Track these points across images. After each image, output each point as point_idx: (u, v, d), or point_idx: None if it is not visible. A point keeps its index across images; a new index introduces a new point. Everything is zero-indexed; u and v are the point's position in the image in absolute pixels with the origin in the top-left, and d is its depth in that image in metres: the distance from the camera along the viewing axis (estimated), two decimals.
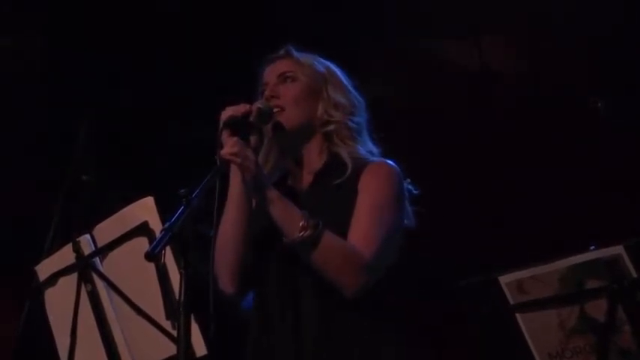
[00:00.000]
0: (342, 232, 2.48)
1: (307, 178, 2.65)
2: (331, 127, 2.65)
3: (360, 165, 2.59)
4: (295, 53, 2.74)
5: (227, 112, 2.55)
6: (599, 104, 4.12)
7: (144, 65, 4.51)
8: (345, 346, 2.47)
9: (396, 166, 2.62)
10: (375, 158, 2.64)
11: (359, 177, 2.57)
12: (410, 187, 2.65)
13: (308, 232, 2.41)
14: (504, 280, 2.52)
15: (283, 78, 2.68)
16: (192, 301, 2.11)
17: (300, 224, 2.41)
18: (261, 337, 2.54)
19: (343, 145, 2.63)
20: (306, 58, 2.74)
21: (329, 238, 2.43)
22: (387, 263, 2.52)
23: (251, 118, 2.55)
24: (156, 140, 4.71)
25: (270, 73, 2.70)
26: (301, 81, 2.67)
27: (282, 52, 2.76)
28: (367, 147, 2.67)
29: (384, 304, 2.53)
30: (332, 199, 2.55)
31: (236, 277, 2.51)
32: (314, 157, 2.66)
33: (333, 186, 2.57)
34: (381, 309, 2.52)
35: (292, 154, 2.68)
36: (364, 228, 2.49)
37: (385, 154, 2.69)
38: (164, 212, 2.45)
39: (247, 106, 2.58)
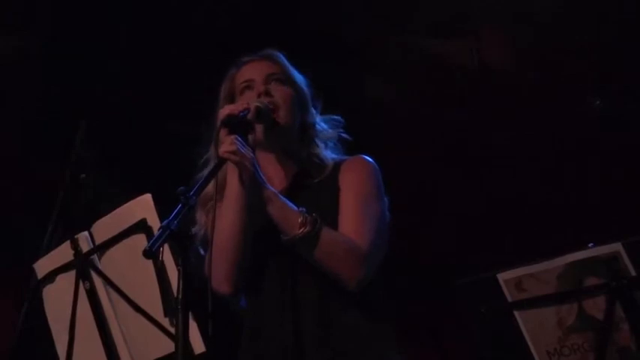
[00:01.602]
0: (330, 227, 2.50)
1: (286, 179, 2.67)
2: (311, 131, 2.71)
3: (338, 162, 2.65)
4: (280, 58, 2.76)
5: (225, 111, 2.56)
6: (598, 103, 4.13)
7: (143, 64, 4.51)
8: (344, 347, 2.48)
9: (372, 160, 2.67)
10: (350, 156, 2.69)
11: (338, 174, 2.62)
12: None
13: (307, 229, 2.42)
14: (503, 277, 2.52)
15: (272, 79, 2.69)
16: (191, 299, 2.11)
17: (299, 220, 2.43)
18: (258, 336, 2.54)
19: (320, 148, 2.69)
20: (288, 64, 2.77)
21: (328, 232, 2.45)
22: (381, 255, 2.55)
23: (249, 117, 2.56)
24: (154, 138, 4.72)
25: (256, 71, 2.71)
26: (290, 85, 2.71)
27: (266, 53, 2.77)
28: (340, 152, 2.73)
29: (377, 303, 2.56)
30: (314, 197, 2.58)
31: (232, 277, 2.49)
32: (293, 159, 2.69)
33: (314, 184, 2.61)
34: (375, 308, 2.55)
35: (278, 153, 2.70)
36: (355, 221, 2.53)
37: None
38: (163, 210, 2.45)
39: (245, 105, 2.58)
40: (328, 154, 2.70)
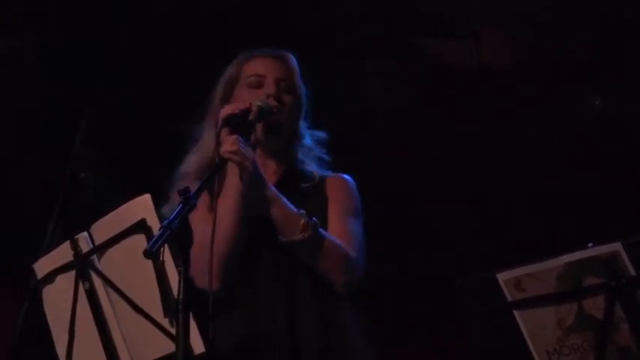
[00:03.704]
0: None
1: (275, 176, 2.72)
2: (299, 141, 2.77)
3: (323, 176, 2.73)
4: (293, 63, 2.77)
5: (226, 110, 2.56)
6: (598, 103, 4.12)
7: (143, 64, 4.51)
8: (334, 345, 2.50)
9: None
10: (332, 173, 2.77)
11: (324, 188, 2.69)
12: None
13: (309, 233, 2.45)
14: (502, 277, 2.52)
15: (282, 84, 2.71)
16: (191, 299, 2.11)
17: (301, 223, 2.45)
18: (252, 332, 2.54)
19: (306, 155, 2.77)
20: (298, 71, 2.80)
21: (326, 237, 2.47)
22: (365, 264, 2.62)
23: (250, 116, 2.56)
24: (154, 138, 4.71)
25: (268, 70, 2.72)
26: (296, 93, 2.75)
27: (280, 54, 2.77)
28: (323, 161, 2.81)
29: (355, 303, 2.63)
30: (302, 202, 2.60)
31: (223, 274, 2.48)
32: (284, 159, 2.75)
33: (301, 189, 2.66)
34: (354, 307, 2.61)
35: (272, 151, 2.71)
36: (344, 230, 2.60)
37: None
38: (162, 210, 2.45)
39: (247, 104, 2.59)
40: (316, 163, 2.77)
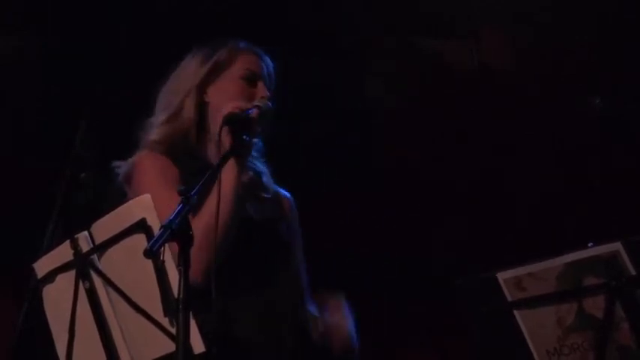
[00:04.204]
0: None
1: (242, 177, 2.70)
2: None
3: (275, 189, 2.77)
4: (274, 78, 2.81)
5: (228, 108, 2.56)
6: (598, 102, 4.13)
7: (143, 63, 4.51)
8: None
9: None
10: (277, 187, 2.82)
11: (277, 201, 2.76)
12: None
13: None
14: (502, 277, 2.52)
15: (269, 90, 2.72)
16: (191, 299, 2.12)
17: None
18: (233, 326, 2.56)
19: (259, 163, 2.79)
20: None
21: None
22: None
23: (252, 115, 2.56)
24: None
25: (263, 72, 2.74)
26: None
27: (270, 65, 2.80)
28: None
29: None
30: (263, 211, 2.68)
31: (208, 270, 2.46)
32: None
33: (261, 197, 2.70)
34: None
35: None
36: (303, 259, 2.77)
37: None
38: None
39: (247, 105, 2.59)
40: (267, 177, 2.82)
